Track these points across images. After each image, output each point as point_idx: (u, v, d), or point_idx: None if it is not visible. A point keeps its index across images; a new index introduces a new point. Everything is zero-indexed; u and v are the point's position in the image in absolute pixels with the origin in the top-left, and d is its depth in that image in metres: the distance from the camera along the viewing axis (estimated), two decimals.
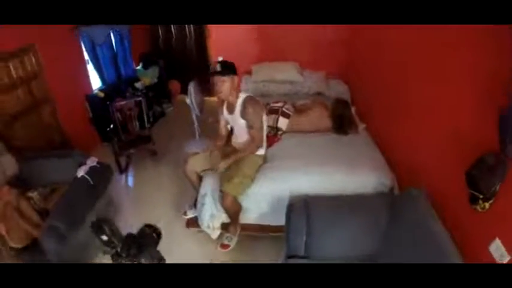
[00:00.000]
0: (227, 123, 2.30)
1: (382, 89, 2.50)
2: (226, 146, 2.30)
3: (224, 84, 2.01)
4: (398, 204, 1.67)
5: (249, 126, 2.08)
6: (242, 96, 2.11)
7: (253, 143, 2.12)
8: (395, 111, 2.24)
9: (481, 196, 1.14)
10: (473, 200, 1.18)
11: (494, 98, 1.13)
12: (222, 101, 2.20)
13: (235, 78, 2.06)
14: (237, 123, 2.17)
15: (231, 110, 2.15)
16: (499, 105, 1.06)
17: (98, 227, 0.91)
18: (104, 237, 0.91)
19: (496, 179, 1.08)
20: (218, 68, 2.01)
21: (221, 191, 2.03)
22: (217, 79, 2.01)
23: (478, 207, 1.17)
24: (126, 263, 0.93)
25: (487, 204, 1.14)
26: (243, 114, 2.07)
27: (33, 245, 2.08)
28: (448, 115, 1.57)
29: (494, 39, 1.21)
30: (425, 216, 1.44)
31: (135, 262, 0.92)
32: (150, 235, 0.98)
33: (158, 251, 0.99)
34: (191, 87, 3.27)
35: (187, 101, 3.23)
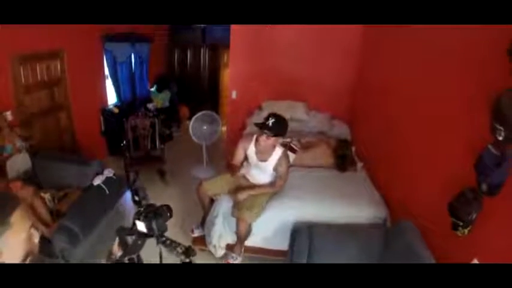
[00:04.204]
0: (246, 159, 2.40)
1: (379, 133, 2.87)
2: (244, 180, 2.48)
3: (268, 142, 2.09)
4: (390, 233, 1.97)
5: (279, 177, 2.28)
6: (278, 151, 2.21)
7: (276, 187, 2.34)
8: (391, 153, 2.57)
9: (461, 223, 1.44)
10: (455, 227, 1.49)
11: (474, 147, 1.46)
12: (250, 141, 2.29)
13: (280, 139, 2.14)
14: (264, 169, 2.31)
15: (263, 159, 2.25)
16: (477, 153, 1.42)
17: (136, 190, 1.20)
18: (136, 198, 1.19)
19: (473, 209, 1.40)
20: (270, 123, 2.00)
21: (237, 217, 2.21)
22: (264, 134, 2.04)
23: (458, 233, 1.47)
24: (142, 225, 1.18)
25: (466, 231, 1.44)
26: (277, 167, 2.22)
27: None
28: (434, 158, 1.94)
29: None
30: (414, 245, 1.72)
31: (147, 223, 1.18)
32: (165, 212, 1.24)
33: (166, 225, 1.23)
34: (193, 121, 3.57)
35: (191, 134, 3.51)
